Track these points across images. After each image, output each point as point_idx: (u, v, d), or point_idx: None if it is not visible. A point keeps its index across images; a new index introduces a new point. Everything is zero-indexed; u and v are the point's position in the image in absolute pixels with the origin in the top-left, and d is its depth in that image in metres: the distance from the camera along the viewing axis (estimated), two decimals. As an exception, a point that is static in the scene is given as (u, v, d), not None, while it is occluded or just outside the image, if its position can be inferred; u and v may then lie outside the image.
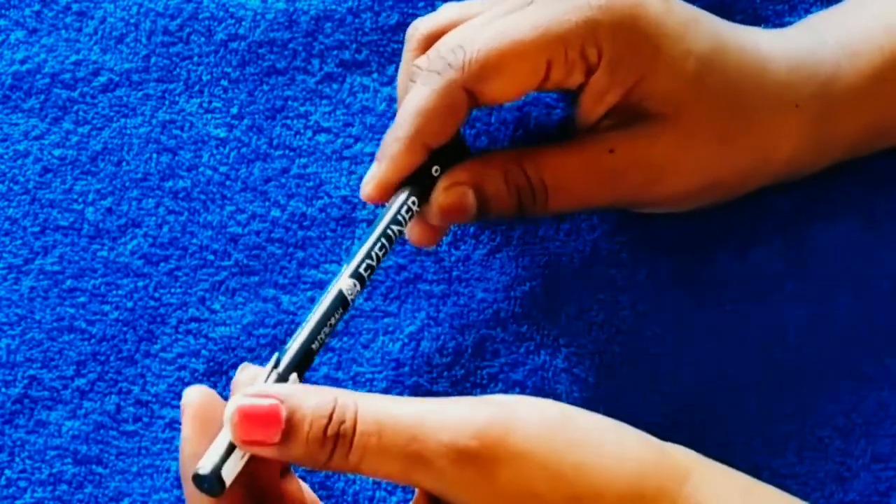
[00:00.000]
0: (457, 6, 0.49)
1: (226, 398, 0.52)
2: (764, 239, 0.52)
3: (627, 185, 0.48)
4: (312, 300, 0.52)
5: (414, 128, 0.47)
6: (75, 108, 0.55)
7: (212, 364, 0.52)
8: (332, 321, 0.44)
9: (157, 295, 0.53)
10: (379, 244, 0.46)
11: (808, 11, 0.54)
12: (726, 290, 0.52)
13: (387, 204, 0.47)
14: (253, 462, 0.42)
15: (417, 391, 0.51)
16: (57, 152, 0.54)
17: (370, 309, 0.52)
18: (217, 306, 0.52)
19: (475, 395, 0.51)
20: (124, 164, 0.54)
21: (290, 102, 0.55)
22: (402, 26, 0.54)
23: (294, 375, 0.43)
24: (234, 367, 0.52)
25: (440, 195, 0.48)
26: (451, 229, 0.53)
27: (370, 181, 0.47)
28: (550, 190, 0.48)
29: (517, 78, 0.46)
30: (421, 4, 0.55)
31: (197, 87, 0.55)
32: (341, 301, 0.45)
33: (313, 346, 0.44)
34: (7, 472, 0.51)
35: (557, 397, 0.51)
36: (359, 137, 0.54)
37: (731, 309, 0.52)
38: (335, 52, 0.55)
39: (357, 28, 0.55)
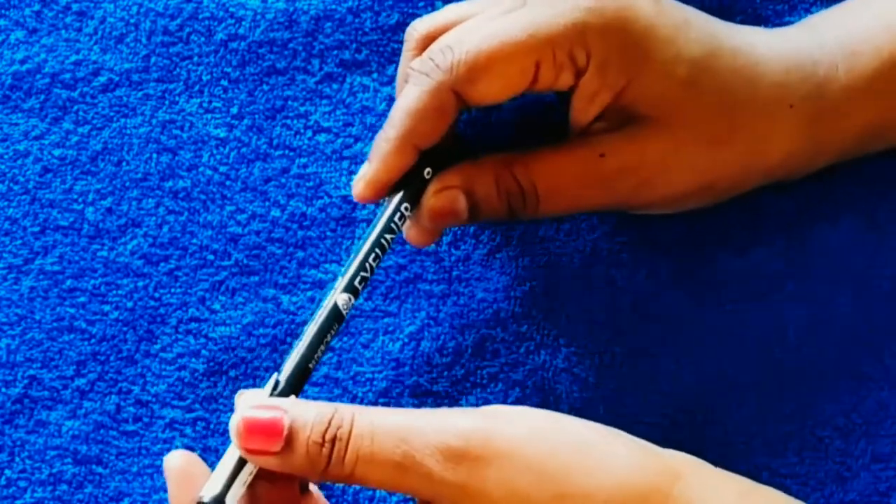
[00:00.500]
0: (456, 7, 0.50)
1: (227, 397, 0.52)
2: (764, 239, 0.52)
3: (619, 188, 0.48)
4: (312, 300, 0.52)
5: (404, 128, 0.47)
6: (75, 108, 0.55)
7: (212, 364, 0.52)
8: (328, 338, 0.45)
9: (157, 295, 0.53)
10: (373, 254, 0.47)
11: (808, 11, 0.54)
12: (726, 290, 0.52)
13: (381, 205, 0.48)
14: (269, 484, 0.43)
15: (417, 391, 0.51)
16: (57, 152, 0.54)
17: (370, 309, 0.52)
18: (217, 306, 0.53)
19: (475, 394, 0.51)
20: (124, 164, 0.54)
21: (290, 102, 0.55)
22: (402, 26, 0.54)
23: (292, 397, 0.44)
24: (234, 367, 0.52)
25: (430, 199, 0.48)
26: (450, 230, 0.53)
27: (360, 180, 0.48)
28: (541, 194, 0.48)
29: (505, 79, 0.47)
30: (421, 4, 0.55)
31: (197, 87, 0.55)
32: (336, 317, 0.46)
33: (310, 365, 0.45)
34: (7, 472, 0.51)
35: (557, 397, 0.51)
36: (359, 137, 0.54)
37: (731, 309, 0.52)
38: (335, 52, 0.55)
39: (357, 28, 0.55)
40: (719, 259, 0.52)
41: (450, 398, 0.51)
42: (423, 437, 0.41)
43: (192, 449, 0.51)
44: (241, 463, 0.43)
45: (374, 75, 0.55)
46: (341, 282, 0.46)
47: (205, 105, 0.55)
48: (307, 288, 0.53)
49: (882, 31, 0.49)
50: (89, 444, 0.51)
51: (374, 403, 0.51)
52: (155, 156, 0.54)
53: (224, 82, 0.55)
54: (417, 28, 0.49)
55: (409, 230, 0.50)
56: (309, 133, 0.54)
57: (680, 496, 0.41)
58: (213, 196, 0.54)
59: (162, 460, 0.51)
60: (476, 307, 0.52)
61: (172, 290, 0.53)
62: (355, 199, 0.48)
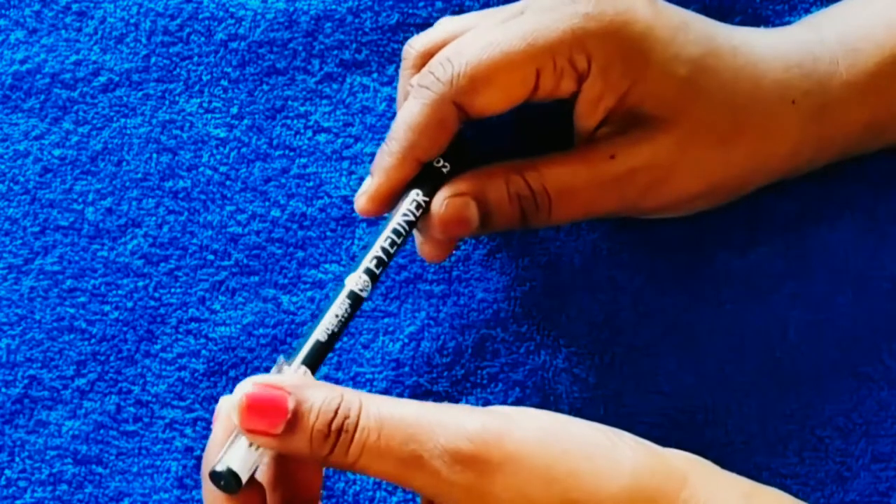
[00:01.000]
0: (451, 21, 0.50)
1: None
2: (764, 239, 0.52)
3: (630, 190, 0.48)
4: (312, 300, 0.52)
5: (406, 142, 0.47)
6: (75, 108, 0.55)
7: (212, 364, 0.52)
8: (344, 316, 0.45)
9: (157, 295, 0.53)
10: (389, 240, 0.47)
11: (807, 11, 0.54)
12: (726, 290, 0.52)
13: (385, 217, 0.48)
14: (291, 465, 0.43)
15: (417, 391, 0.51)
16: (57, 152, 0.54)
17: (370, 309, 0.52)
18: (217, 306, 0.53)
19: (475, 394, 0.51)
20: (124, 164, 0.54)
21: (290, 102, 0.55)
22: (402, 26, 0.54)
23: (305, 368, 0.44)
24: (234, 367, 0.52)
25: (440, 207, 0.48)
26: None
27: (363, 195, 0.48)
28: (553, 198, 0.48)
29: (506, 89, 0.47)
30: (421, 4, 0.55)
31: (197, 87, 0.55)
32: (351, 297, 0.45)
33: (322, 339, 0.44)
34: (7, 472, 0.51)
35: (557, 397, 0.51)
36: (359, 137, 0.54)
37: (731, 309, 0.52)
38: (335, 52, 0.55)
39: (357, 28, 0.55)
40: (719, 259, 0.52)
41: (450, 398, 0.51)
42: (433, 437, 0.41)
43: (191, 449, 0.51)
44: None
45: (374, 75, 0.55)
46: (360, 266, 0.46)
47: (205, 105, 0.55)
48: (307, 288, 0.53)
49: (883, 28, 0.49)
50: (89, 444, 0.51)
51: (374, 403, 0.51)
52: (155, 156, 0.54)
53: (224, 82, 0.55)
54: (414, 45, 0.50)
55: (422, 246, 0.50)
56: (309, 133, 0.54)
57: (688, 501, 0.41)
58: (213, 196, 0.54)
59: (162, 461, 0.51)
60: (476, 307, 0.52)
61: (172, 290, 0.53)
62: (359, 214, 0.48)
